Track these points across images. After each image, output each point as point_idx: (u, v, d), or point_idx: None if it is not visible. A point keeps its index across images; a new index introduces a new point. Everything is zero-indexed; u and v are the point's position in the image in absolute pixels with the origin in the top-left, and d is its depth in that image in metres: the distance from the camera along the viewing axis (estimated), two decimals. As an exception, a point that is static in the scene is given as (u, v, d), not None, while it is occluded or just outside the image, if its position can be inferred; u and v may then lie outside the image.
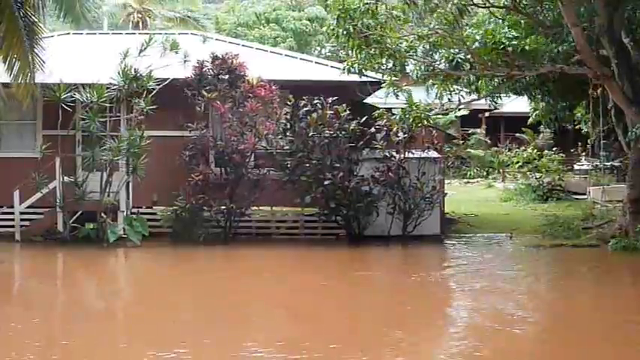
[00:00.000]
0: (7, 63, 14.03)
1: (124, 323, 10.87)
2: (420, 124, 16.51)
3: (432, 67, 16.00)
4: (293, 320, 10.76)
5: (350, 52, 16.56)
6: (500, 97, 18.93)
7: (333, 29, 15.70)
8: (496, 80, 17.37)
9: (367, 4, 15.28)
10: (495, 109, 25.67)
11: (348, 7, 15.31)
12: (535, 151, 27.50)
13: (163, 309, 11.14)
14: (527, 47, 15.03)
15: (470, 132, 32.78)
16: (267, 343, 9.19)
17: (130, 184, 16.94)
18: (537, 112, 22.75)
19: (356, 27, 15.40)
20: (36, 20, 14.34)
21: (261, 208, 17.35)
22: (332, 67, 18.66)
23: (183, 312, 11.08)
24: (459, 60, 15.46)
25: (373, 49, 15.78)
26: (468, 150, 30.29)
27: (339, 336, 9.71)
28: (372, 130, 16.77)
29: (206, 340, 9.44)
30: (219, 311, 11.10)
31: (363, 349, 8.98)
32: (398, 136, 16.71)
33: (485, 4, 16.90)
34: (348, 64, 16.42)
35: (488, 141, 32.34)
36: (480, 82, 17.52)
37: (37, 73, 14.52)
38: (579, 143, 27.92)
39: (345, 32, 15.54)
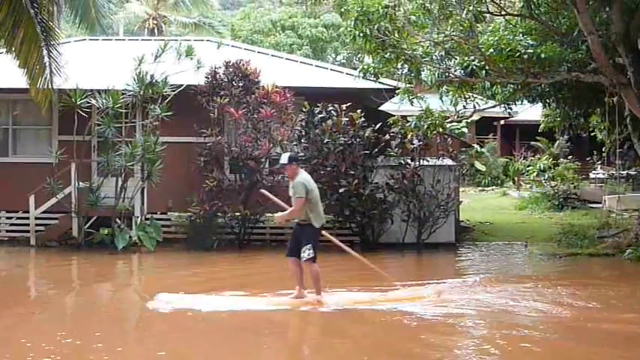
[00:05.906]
0: (25, 68, 14.05)
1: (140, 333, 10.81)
2: (434, 132, 16.50)
3: (447, 74, 15.97)
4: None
5: (366, 55, 16.50)
6: (514, 104, 18.86)
7: (351, 31, 15.68)
8: (511, 87, 17.32)
9: (386, 7, 15.26)
10: (510, 116, 25.61)
11: (367, 9, 15.30)
12: (550, 159, 27.37)
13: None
14: (542, 55, 14.94)
15: (485, 141, 32.71)
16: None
17: (145, 190, 16.99)
18: (549, 117, 22.61)
19: (373, 30, 15.39)
20: (52, 25, 14.36)
21: (275, 214, 17.31)
22: (347, 74, 18.66)
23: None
24: (474, 67, 15.41)
25: (389, 54, 15.76)
26: (475, 163, 30.13)
27: None
28: (387, 137, 16.76)
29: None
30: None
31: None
32: (413, 144, 16.69)
33: (500, 11, 16.86)
34: (363, 68, 16.41)
35: (490, 158, 32.13)
36: (494, 88, 17.47)
37: (54, 78, 14.56)
38: (594, 152, 27.77)
39: (362, 34, 15.52)
